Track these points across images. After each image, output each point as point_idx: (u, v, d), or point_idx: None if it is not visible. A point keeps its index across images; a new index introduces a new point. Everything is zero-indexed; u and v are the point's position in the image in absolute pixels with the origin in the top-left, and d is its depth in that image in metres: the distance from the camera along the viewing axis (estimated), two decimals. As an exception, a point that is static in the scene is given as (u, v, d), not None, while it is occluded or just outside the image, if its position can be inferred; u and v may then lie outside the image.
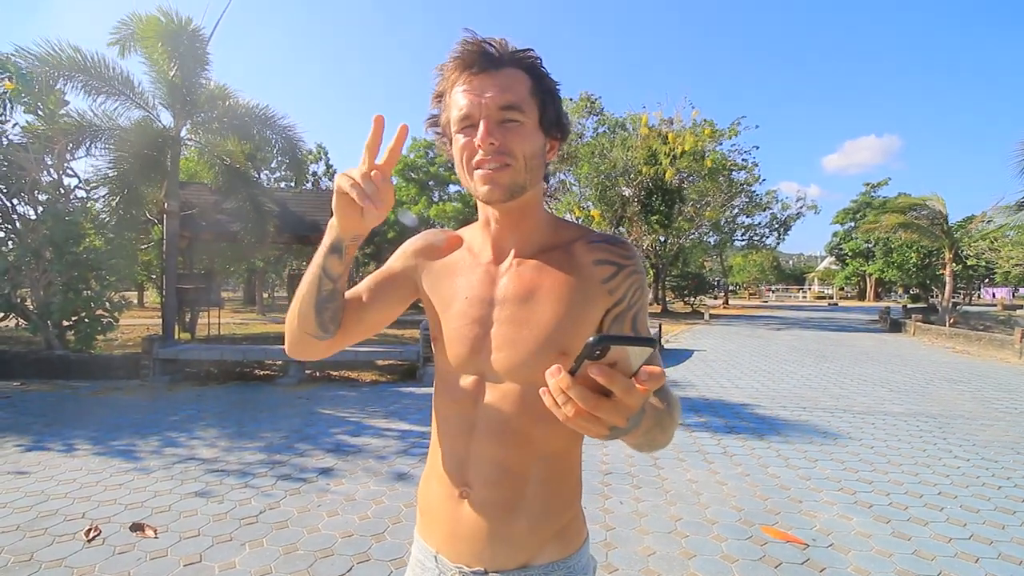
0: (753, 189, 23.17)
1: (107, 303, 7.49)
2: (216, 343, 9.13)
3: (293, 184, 9.64)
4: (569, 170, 19.71)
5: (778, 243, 28.40)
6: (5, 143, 7.02)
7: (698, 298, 26.16)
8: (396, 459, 3.80)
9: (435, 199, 29.41)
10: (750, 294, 47.79)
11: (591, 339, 0.45)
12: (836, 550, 2.62)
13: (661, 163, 16.77)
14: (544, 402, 0.69)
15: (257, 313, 17.97)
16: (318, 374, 6.96)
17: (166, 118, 8.42)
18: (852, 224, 38.90)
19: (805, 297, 50.24)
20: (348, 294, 0.84)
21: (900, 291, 34.65)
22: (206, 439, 4.22)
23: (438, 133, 0.78)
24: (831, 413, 5.46)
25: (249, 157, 10.89)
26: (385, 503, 3.05)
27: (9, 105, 7.09)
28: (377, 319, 0.86)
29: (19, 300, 7.14)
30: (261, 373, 7.08)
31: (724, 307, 29.37)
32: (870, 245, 32.44)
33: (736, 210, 24.16)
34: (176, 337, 8.85)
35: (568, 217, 20.81)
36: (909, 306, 22.71)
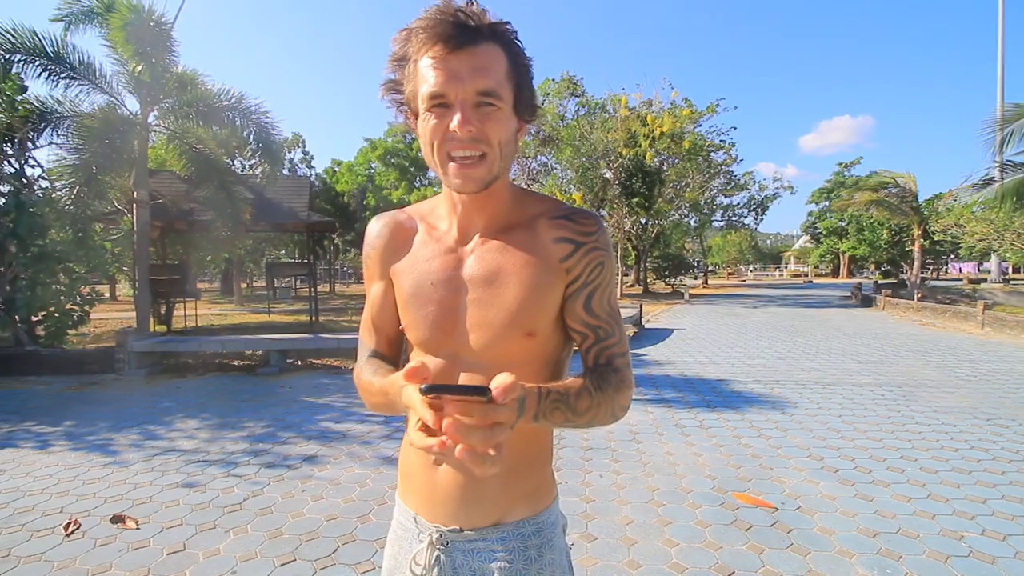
0: (731, 170, 23.47)
1: (77, 297, 7.31)
2: (193, 335, 9.00)
3: (268, 169, 9.37)
4: (551, 153, 19.67)
5: (756, 223, 28.91)
6: (-40, 132, 6.74)
7: (678, 278, 26.51)
8: (381, 443, 3.84)
9: (416, 184, 29.15)
10: (729, 274, 48.63)
11: (422, 387, 0.51)
12: (803, 512, 2.75)
13: (641, 145, 16.84)
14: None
15: (236, 304, 17.69)
16: (300, 363, 6.92)
17: (132, 104, 8.16)
18: (826, 203, 39.68)
19: (782, 275, 51.33)
20: (384, 342, 0.84)
21: (872, 267, 35.62)
22: (186, 431, 4.19)
23: (398, 102, 0.73)
24: (802, 385, 5.65)
25: (221, 144, 10.62)
26: (370, 485, 3.09)
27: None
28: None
29: (-16, 296, 6.92)
30: (241, 364, 7.01)
31: (704, 287, 29.85)
32: (844, 223, 33.18)
33: (715, 191, 24.45)
34: (152, 330, 8.68)
35: (548, 200, 20.87)
36: (880, 282, 23.38)
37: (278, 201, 11.69)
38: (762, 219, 27.49)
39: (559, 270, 0.75)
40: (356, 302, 16.31)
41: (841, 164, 40.93)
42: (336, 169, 30.83)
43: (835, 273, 45.41)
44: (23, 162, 7.37)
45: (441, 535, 0.77)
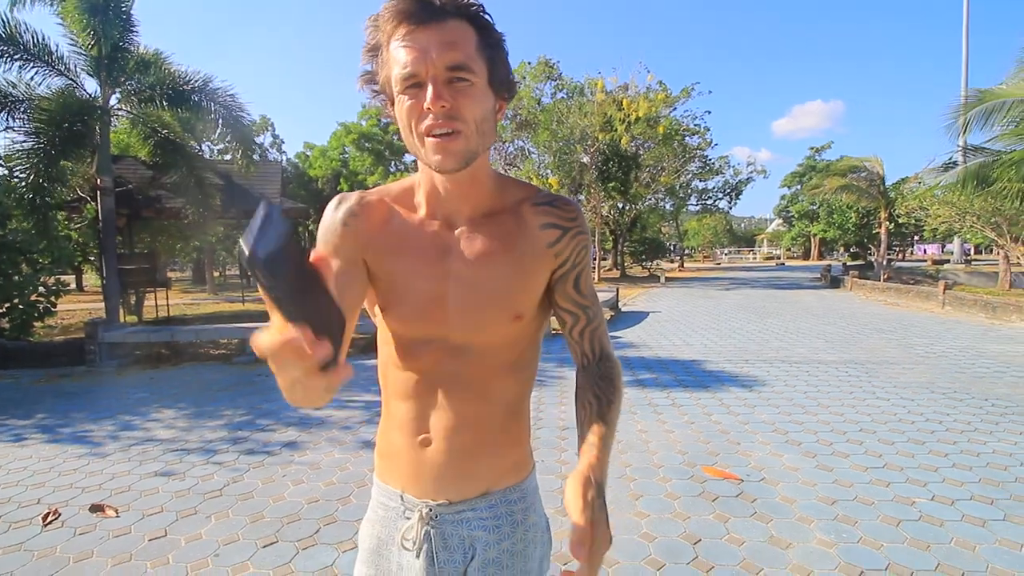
0: (706, 154, 23.79)
1: (42, 288, 7.09)
2: (165, 325, 8.82)
3: (239, 156, 9.15)
4: (528, 137, 19.60)
5: (730, 207, 29.47)
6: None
7: (655, 262, 26.90)
8: (360, 428, 3.88)
9: (392, 169, 28.73)
10: (704, 257, 49.47)
11: None
12: (767, 483, 2.90)
13: (617, 129, 16.91)
14: (500, 358, 0.79)
15: (209, 293, 17.34)
16: (277, 351, 6.87)
17: (91, 86, 7.86)
18: (798, 187, 40.55)
19: (755, 258, 52.47)
20: None
21: (841, 249, 36.68)
22: (163, 420, 4.16)
23: (375, 91, 0.72)
24: (771, 364, 5.87)
25: (188, 128, 10.31)
26: (350, 469, 3.14)
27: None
28: (353, 318, 0.75)
29: (-58, 288, 6.67)
30: (216, 353, 6.92)
31: (679, 270, 30.37)
32: (815, 207, 34.00)
33: (690, 175, 24.77)
34: (122, 320, 8.49)
35: (526, 185, 20.88)
36: (849, 264, 24.12)
37: (248, 187, 11.43)
38: (736, 203, 28.09)
39: (547, 255, 0.78)
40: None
41: (813, 148, 41.87)
42: (308, 154, 30.16)
43: (806, 255, 46.60)
44: (-23, 148, 7.07)
45: (431, 510, 0.80)
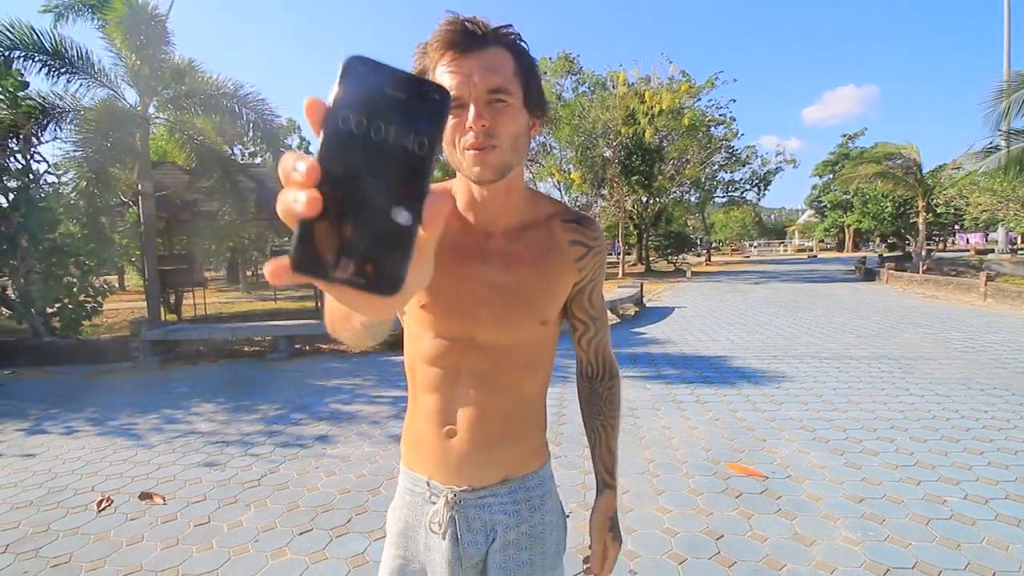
0: (732, 145, 23.29)
1: (89, 288, 7.48)
2: (203, 323, 9.18)
3: (269, 158, 9.45)
4: (549, 133, 19.55)
5: (759, 198, 28.81)
6: (-34, 129, 6.83)
7: (680, 256, 26.51)
8: (388, 423, 4.00)
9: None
10: (732, 250, 48.46)
11: None
12: (792, 480, 2.89)
13: (640, 123, 16.72)
14: (521, 357, 0.87)
15: (242, 291, 17.90)
16: (307, 348, 7.09)
17: (131, 96, 8.21)
18: (831, 176, 39.28)
19: (786, 250, 51.13)
20: None
21: (877, 240, 35.41)
22: (203, 414, 4.37)
23: None
24: (800, 360, 5.77)
25: (221, 133, 10.67)
26: (379, 462, 3.25)
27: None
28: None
29: (1, 290, 7.10)
30: (250, 350, 7.19)
31: (706, 264, 29.85)
32: (848, 196, 32.92)
33: (716, 167, 24.30)
34: (162, 318, 8.87)
35: (549, 180, 20.84)
36: (885, 255, 23.31)
37: (279, 189, 11.74)
38: (764, 194, 27.40)
39: (573, 268, 0.87)
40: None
41: (845, 136, 40.44)
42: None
43: (840, 247, 45.17)
44: (29, 157, 7.47)
45: (455, 495, 0.87)
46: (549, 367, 0.93)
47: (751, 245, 51.56)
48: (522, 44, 0.77)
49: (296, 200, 0.27)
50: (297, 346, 6.96)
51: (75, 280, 7.30)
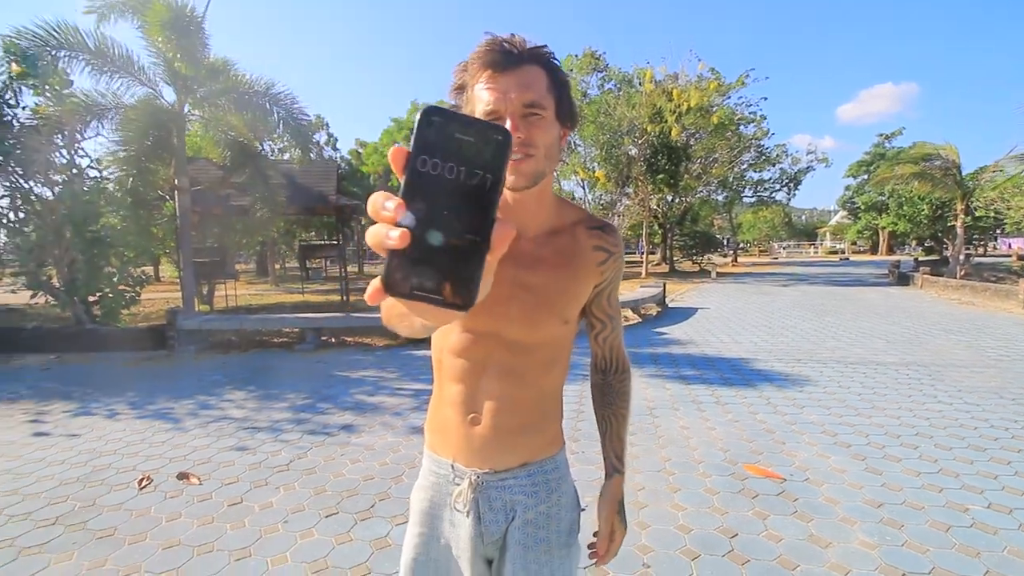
0: (762, 143, 22.80)
1: (128, 278, 7.81)
2: (234, 314, 9.50)
3: (299, 154, 9.71)
4: (574, 130, 19.45)
5: (788, 199, 28.12)
6: (17, 126, 7.19)
7: (706, 257, 26.12)
8: (410, 414, 4.11)
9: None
10: (760, 251, 47.47)
11: None
12: (811, 484, 2.89)
13: (666, 121, 16.53)
14: (543, 353, 0.95)
15: (271, 284, 18.37)
16: (333, 340, 7.28)
17: (169, 94, 8.53)
18: (865, 176, 38.13)
19: (817, 253, 49.81)
20: None
21: (913, 244, 34.24)
22: (235, 401, 4.56)
23: None
24: (824, 364, 5.68)
25: (252, 129, 10.98)
26: (402, 452, 3.36)
27: (17, 88, 7.24)
28: None
29: (46, 278, 7.48)
30: (279, 341, 7.42)
31: (733, 265, 29.34)
32: (883, 198, 31.91)
33: (745, 166, 23.83)
34: (196, 309, 9.21)
35: (574, 178, 20.76)
36: (921, 259, 22.56)
37: (308, 185, 12.05)
38: (795, 194, 26.71)
39: (595, 272, 0.94)
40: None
41: (881, 135, 39.14)
42: (360, 151, 31.19)
43: (874, 250, 43.85)
44: (73, 153, 7.83)
45: (478, 477, 0.94)
46: (567, 363, 1.00)
47: (780, 246, 50.41)
48: (555, 61, 0.84)
49: (388, 236, 0.33)
50: (323, 338, 7.16)
51: (115, 270, 7.64)
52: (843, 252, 45.11)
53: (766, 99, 21.22)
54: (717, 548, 2.30)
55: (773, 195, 27.28)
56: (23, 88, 7.21)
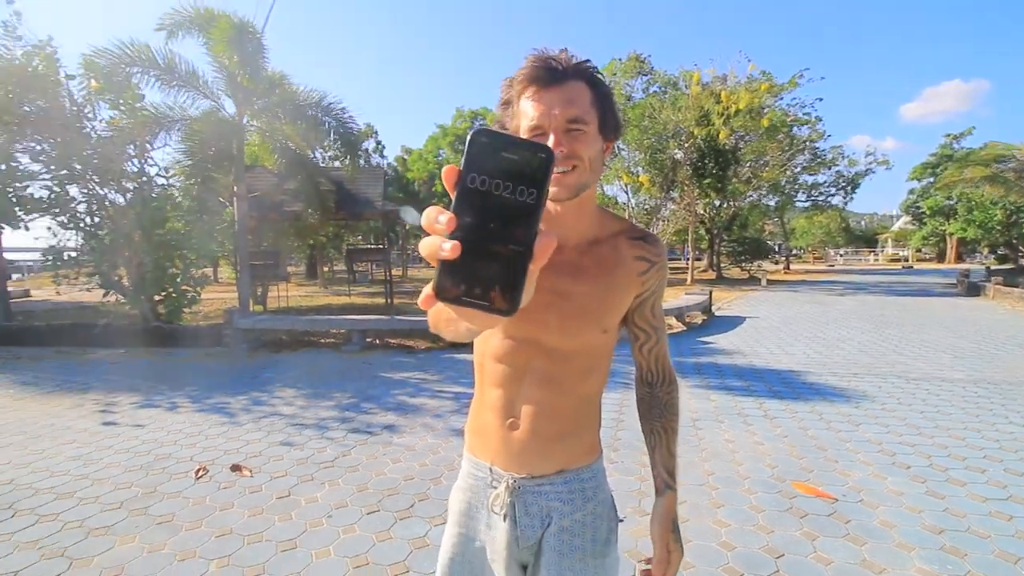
0: (817, 145, 21.84)
1: (190, 279, 8.31)
2: (285, 314, 9.91)
3: (348, 162, 10.09)
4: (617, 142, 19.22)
5: (845, 203, 26.74)
6: (95, 138, 7.80)
7: (756, 263, 25.18)
8: (451, 417, 4.17)
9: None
10: (815, 258, 45.34)
11: None
12: (865, 505, 2.73)
13: (714, 124, 16.11)
14: (582, 361, 0.96)
15: (319, 286, 19.06)
16: (378, 342, 7.48)
17: (229, 106, 9.03)
18: (931, 180, 35.84)
19: (877, 260, 47.10)
20: None
21: (985, 251, 31.81)
22: (285, 398, 4.76)
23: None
24: (883, 379, 5.37)
25: (304, 138, 11.48)
26: (441, 454, 3.42)
27: (96, 103, 7.85)
28: None
29: (117, 278, 8.05)
30: (327, 341, 7.68)
31: (784, 272, 28.15)
32: (951, 202, 29.87)
33: (798, 169, 22.87)
34: (251, 309, 9.67)
35: (617, 182, 20.51)
36: (993, 268, 20.95)
37: (356, 191, 12.45)
38: (851, 198, 25.39)
39: (636, 282, 0.94)
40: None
41: (949, 135, 36.70)
42: (406, 158, 31.96)
43: (941, 258, 41.02)
44: (143, 162, 8.42)
45: (515, 481, 0.95)
46: (606, 371, 1.00)
47: (836, 253, 47.99)
48: (598, 76, 0.86)
49: (441, 248, 0.36)
50: (368, 339, 7.37)
51: (178, 272, 8.14)
52: (906, 260, 42.44)
53: (821, 100, 20.20)
54: (761, 568, 2.21)
55: (828, 199, 26.04)
56: (101, 102, 7.81)
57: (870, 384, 5.18)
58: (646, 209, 20.90)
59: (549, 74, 0.80)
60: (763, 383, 5.28)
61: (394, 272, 13.85)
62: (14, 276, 19.66)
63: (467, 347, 1.00)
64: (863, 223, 66.08)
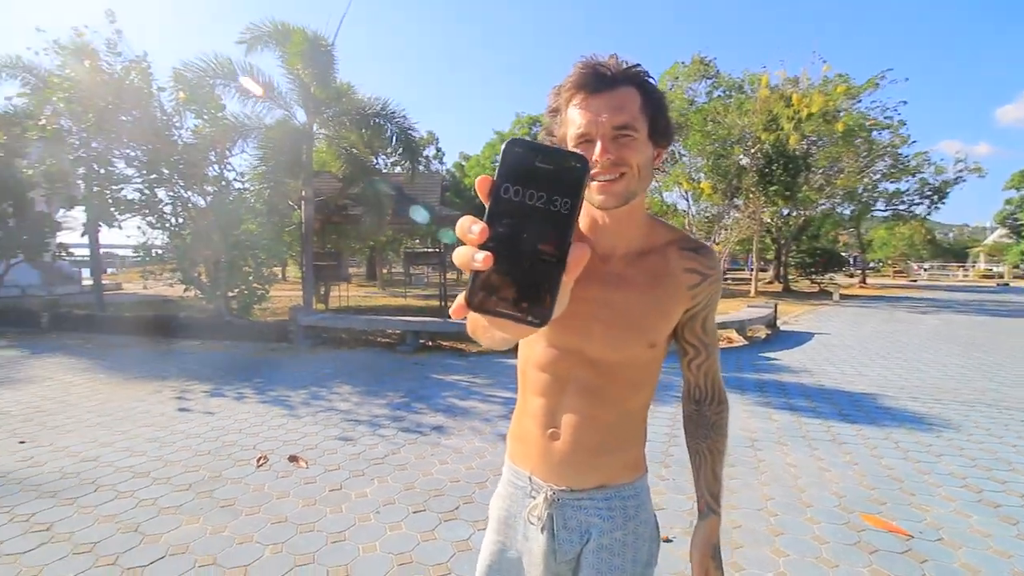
0: (899, 151, 20.29)
1: (261, 277, 8.84)
2: (345, 313, 10.32)
3: (409, 168, 10.43)
4: (677, 140, 18.76)
5: (929, 212, 24.64)
6: (181, 144, 8.47)
7: (828, 276, 23.68)
8: (498, 421, 4.18)
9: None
10: (895, 272, 42.08)
11: None
12: (944, 544, 2.48)
13: (783, 128, 15.33)
14: (627, 374, 0.92)
15: (378, 287, 19.75)
16: (430, 343, 7.63)
17: (300, 115, 9.55)
18: (1034, 188, 32.42)
19: (967, 276, 43.06)
20: None
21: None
22: (342, 394, 4.95)
23: (553, 143, 0.86)
24: (971, 407, 4.88)
25: (367, 145, 11.96)
26: (487, 458, 3.43)
27: (183, 112, 8.54)
28: None
29: (197, 275, 8.69)
30: (383, 341, 7.93)
31: (860, 286, 26.28)
32: (1058, 213, 26.87)
33: (877, 176, 21.32)
34: (314, 307, 10.15)
35: (676, 189, 19.96)
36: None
37: (414, 196, 12.83)
38: (937, 207, 23.33)
39: (686, 295, 0.90)
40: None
41: (1059, 140, 33.06)
42: (464, 164, 32.60)
43: (1043, 275, 36.98)
44: (223, 167, 9.05)
45: (554, 493, 0.93)
46: (653, 386, 0.96)
47: (920, 267, 44.32)
48: (649, 80, 0.82)
49: (474, 258, 0.35)
50: (422, 341, 7.53)
51: (251, 270, 8.67)
52: (1001, 276, 38.51)
53: (905, 103, 18.58)
54: (824, 604, 2.05)
55: (911, 208, 24.10)
56: (187, 112, 8.48)
57: (955, 412, 4.73)
58: (707, 217, 20.19)
59: (597, 80, 0.79)
60: (832, 404, 4.94)
61: (449, 276, 14.13)
62: (108, 270, 21.64)
63: (517, 352, 0.99)
64: (951, 235, 60.85)
